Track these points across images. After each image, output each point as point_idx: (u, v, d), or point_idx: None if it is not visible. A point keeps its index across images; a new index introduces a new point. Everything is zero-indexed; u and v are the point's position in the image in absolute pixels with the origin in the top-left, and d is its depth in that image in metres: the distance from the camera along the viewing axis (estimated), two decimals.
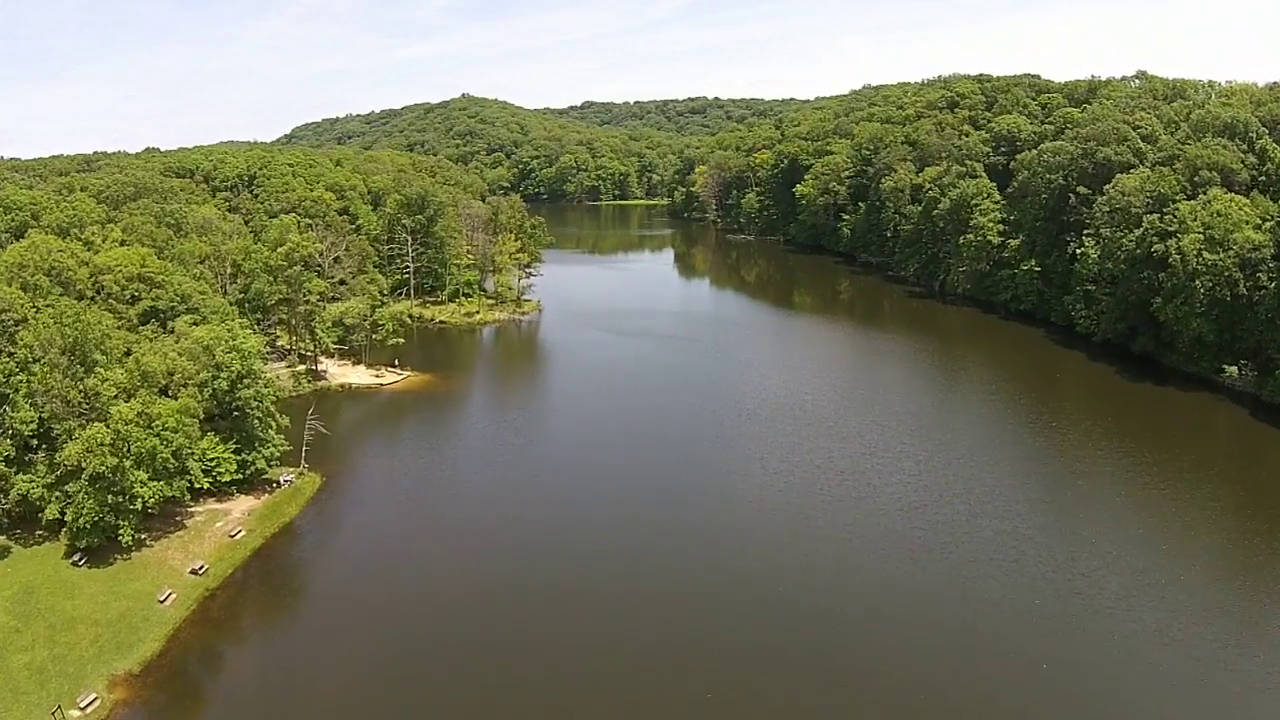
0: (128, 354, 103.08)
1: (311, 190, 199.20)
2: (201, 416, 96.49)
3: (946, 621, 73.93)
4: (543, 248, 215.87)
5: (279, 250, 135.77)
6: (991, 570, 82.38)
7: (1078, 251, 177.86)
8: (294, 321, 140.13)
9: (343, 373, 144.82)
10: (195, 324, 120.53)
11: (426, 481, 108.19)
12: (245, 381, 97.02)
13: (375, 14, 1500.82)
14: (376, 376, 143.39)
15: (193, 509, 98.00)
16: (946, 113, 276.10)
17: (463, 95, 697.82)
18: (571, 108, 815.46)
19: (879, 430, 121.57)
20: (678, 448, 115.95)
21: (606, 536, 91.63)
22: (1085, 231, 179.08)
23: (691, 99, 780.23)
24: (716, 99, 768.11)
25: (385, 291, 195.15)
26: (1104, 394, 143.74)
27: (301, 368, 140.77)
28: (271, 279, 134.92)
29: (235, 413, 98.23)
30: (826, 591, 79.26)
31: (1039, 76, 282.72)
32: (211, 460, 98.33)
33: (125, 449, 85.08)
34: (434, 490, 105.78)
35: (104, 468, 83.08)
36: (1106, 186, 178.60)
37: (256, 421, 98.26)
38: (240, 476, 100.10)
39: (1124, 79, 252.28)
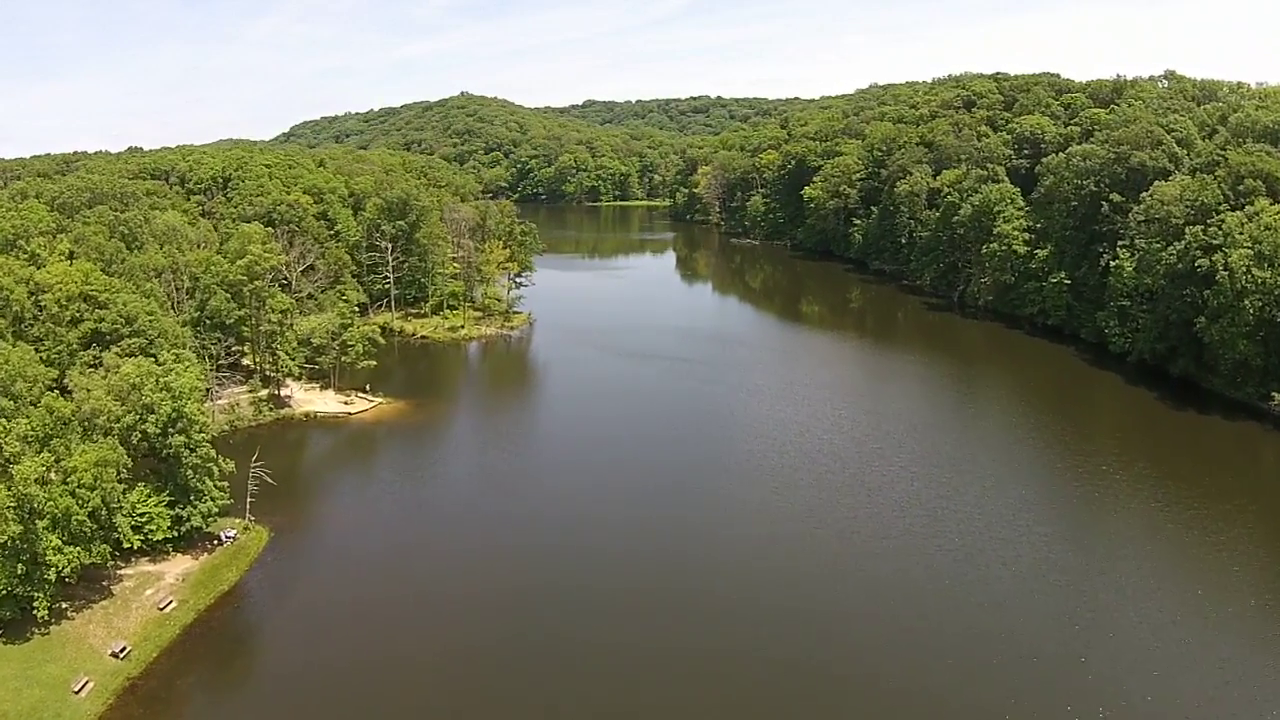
0: (58, 389, 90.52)
1: (288, 193, 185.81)
2: (129, 466, 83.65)
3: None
4: (536, 254, 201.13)
5: (238, 263, 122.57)
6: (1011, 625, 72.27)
7: (1111, 264, 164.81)
8: (256, 341, 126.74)
9: (309, 399, 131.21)
10: (133, 353, 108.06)
11: (390, 536, 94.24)
12: (177, 426, 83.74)
13: (376, 12, 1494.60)
14: (345, 403, 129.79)
15: (122, 571, 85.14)
16: (963, 113, 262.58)
17: (461, 93, 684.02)
18: (572, 106, 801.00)
19: (903, 478, 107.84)
20: (675, 510, 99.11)
21: (596, 613, 78.46)
22: (1119, 242, 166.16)
23: (694, 98, 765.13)
24: (719, 98, 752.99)
25: (364, 303, 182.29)
26: (1139, 420, 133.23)
27: (264, 393, 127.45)
28: (229, 296, 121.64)
29: (167, 462, 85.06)
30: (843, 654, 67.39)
31: (1058, 75, 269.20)
32: (142, 515, 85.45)
33: (32, 512, 72.28)
34: (399, 546, 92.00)
35: (5, 536, 70.40)
36: (1143, 194, 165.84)
37: (191, 472, 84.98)
38: (175, 534, 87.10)
39: (1151, 79, 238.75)
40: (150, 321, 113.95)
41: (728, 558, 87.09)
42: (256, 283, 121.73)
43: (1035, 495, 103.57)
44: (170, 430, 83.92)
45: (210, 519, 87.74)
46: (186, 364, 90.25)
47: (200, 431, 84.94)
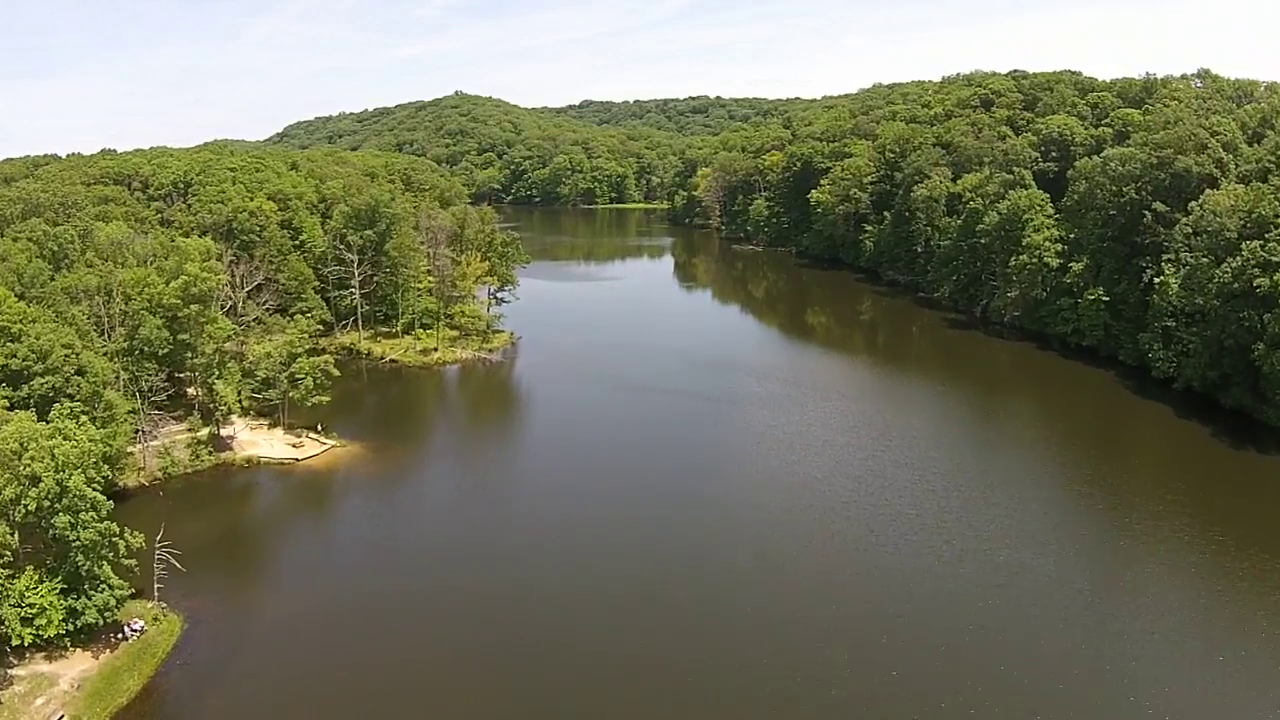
0: None
1: (251, 199, 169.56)
2: (13, 548, 68.08)
3: None
4: (521, 265, 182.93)
5: (172, 285, 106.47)
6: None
7: (1155, 280, 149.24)
8: (194, 374, 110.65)
9: (254, 440, 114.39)
10: (46, 394, 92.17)
11: (336, 625, 77.60)
12: (63, 503, 67.77)
13: (376, 12, 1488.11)
14: (294, 446, 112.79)
15: (13, 671, 69.92)
16: (981, 112, 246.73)
17: (456, 93, 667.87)
18: (570, 106, 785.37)
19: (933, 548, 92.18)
20: (670, 598, 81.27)
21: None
22: (1164, 256, 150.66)
23: (693, 98, 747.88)
24: (719, 98, 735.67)
25: (329, 322, 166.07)
26: (1185, 456, 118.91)
27: (204, 432, 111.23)
28: (161, 323, 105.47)
29: (54, 544, 69.24)
30: None
31: (1080, 73, 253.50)
32: (32, 606, 69.76)
33: None
34: (346, 640, 75.52)
35: None
36: (1192, 204, 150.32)
37: (82, 557, 69.06)
38: (71, 628, 71.31)
39: (1184, 77, 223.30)
40: (67, 356, 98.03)
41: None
42: (193, 306, 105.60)
43: (1065, 539, 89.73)
44: (55, 507, 68.00)
45: (107, 612, 71.68)
46: (82, 423, 74.01)
47: (92, 509, 68.81)
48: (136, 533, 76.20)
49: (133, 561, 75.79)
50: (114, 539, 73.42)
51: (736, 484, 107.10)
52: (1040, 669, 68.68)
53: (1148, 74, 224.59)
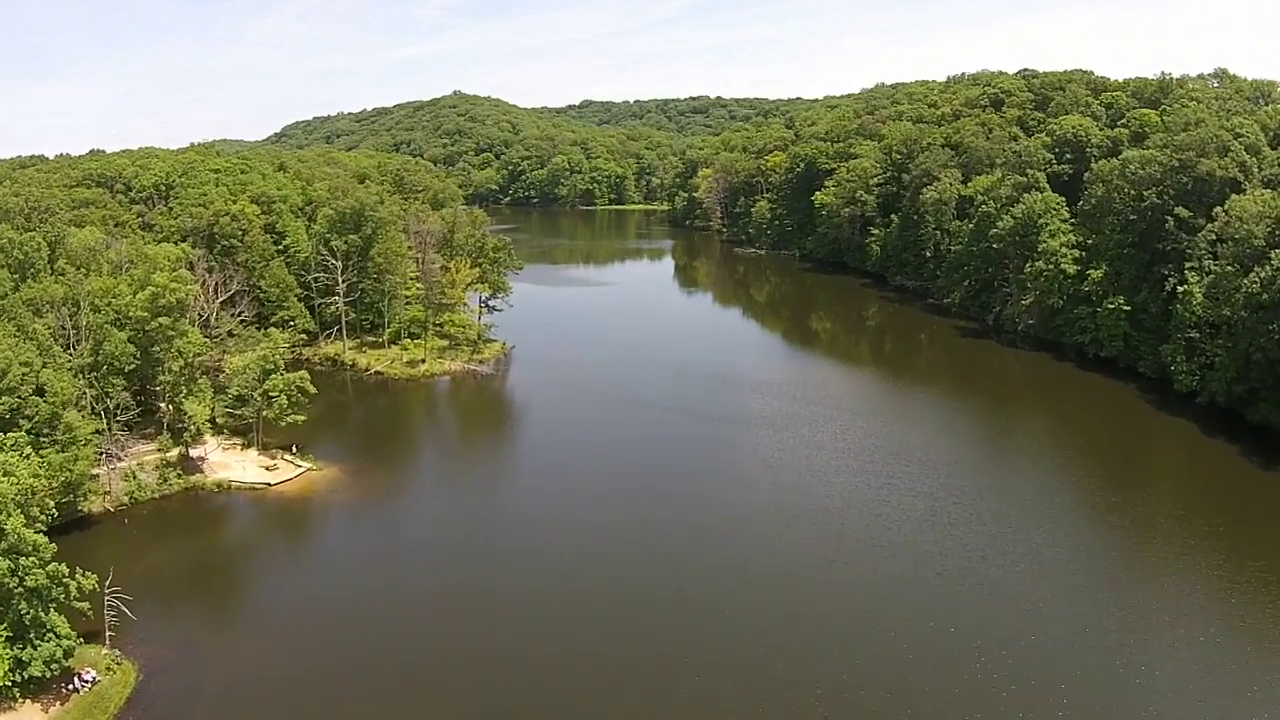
0: None
1: (234, 202, 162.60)
2: None
3: None
4: (514, 271, 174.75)
5: (139, 296, 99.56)
6: None
7: (1178, 289, 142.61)
8: (162, 391, 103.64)
9: (226, 462, 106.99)
10: (2, 416, 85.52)
11: (291, 674, 70.70)
12: (1, 546, 60.96)
13: (377, 12, 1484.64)
14: (269, 468, 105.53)
15: None
16: (990, 112, 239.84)
17: (454, 92, 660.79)
18: (569, 107, 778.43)
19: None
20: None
21: None
22: (1186, 264, 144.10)
23: (693, 98, 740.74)
24: (719, 98, 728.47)
25: (313, 331, 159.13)
26: (1215, 479, 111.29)
27: (174, 453, 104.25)
28: (128, 336, 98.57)
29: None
30: None
31: (1092, 73, 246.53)
32: None
33: None
34: (317, 688, 69.09)
35: None
36: (1216, 210, 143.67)
37: (24, 605, 62.27)
38: (17, 679, 64.52)
39: (1201, 77, 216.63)
40: (25, 375, 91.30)
41: None
42: (161, 319, 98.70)
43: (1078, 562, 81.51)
44: None
45: (54, 664, 64.81)
46: (29, 453, 67.38)
47: (32, 554, 62.00)
48: (89, 574, 69.57)
49: (85, 605, 69.27)
50: (63, 581, 66.78)
51: (745, 522, 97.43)
52: None
53: (1163, 73, 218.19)
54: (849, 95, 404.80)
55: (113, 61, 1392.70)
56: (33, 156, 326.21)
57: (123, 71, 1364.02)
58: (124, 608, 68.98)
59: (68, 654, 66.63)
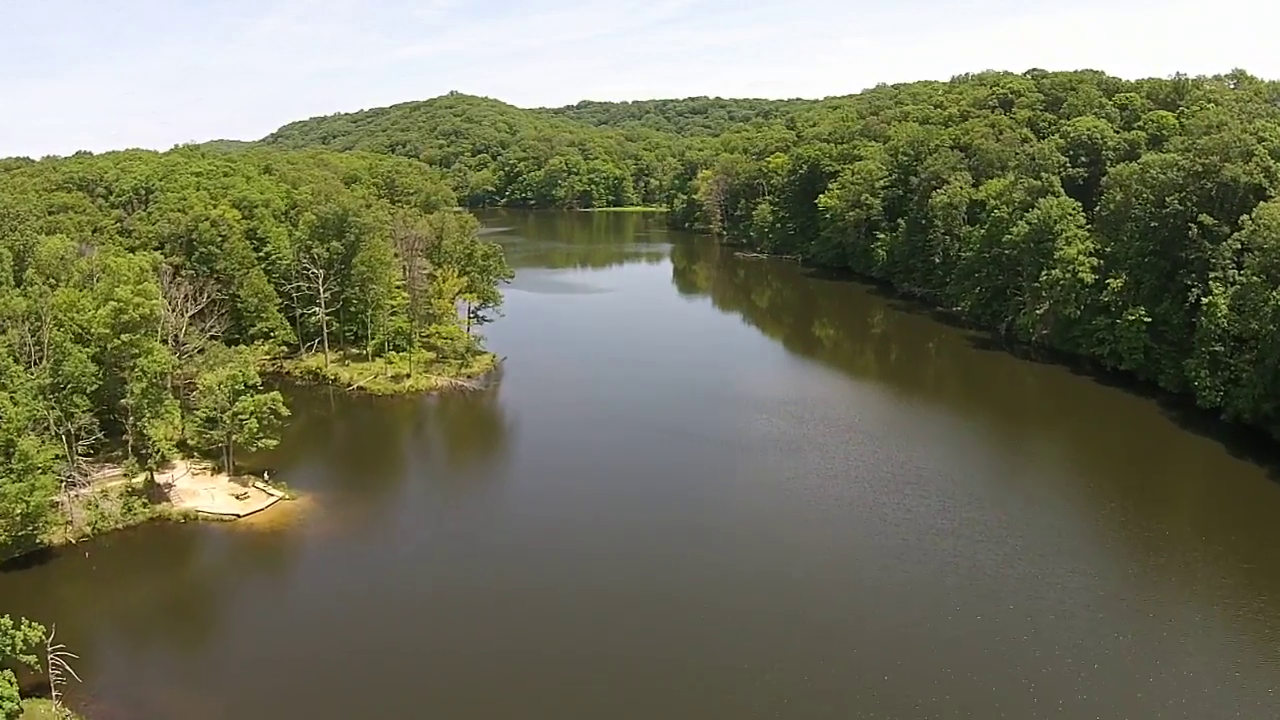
0: None
1: (214, 207, 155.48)
2: None
3: None
4: (505, 279, 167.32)
5: (101, 311, 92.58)
6: None
7: (1202, 300, 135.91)
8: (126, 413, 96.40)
9: (194, 489, 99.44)
10: None
11: None
12: None
13: (377, 13, 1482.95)
14: (239, 496, 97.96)
15: None
16: (1000, 113, 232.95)
17: (451, 93, 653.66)
18: (568, 107, 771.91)
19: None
20: None
21: None
22: (1211, 274, 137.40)
23: (692, 98, 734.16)
24: (719, 99, 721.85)
25: (294, 344, 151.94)
26: (1246, 507, 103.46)
27: (140, 479, 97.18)
28: (89, 354, 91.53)
29: None
30: None
31: (1103, 73, 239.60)
32: None
33: None
34: None
35: None
36: (1243, 217, 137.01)
37: None
38: None
39: (1217, 78, 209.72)
40: None
41: None
42: (125, 336, 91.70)
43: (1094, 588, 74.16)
44: None
45: None
46: None
47: None
48: (35, 625, 63.19)
49: (31, 658, 62.56)
50: (9, 633, 60.23)
51: (755, 564, 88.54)
52: None
53: (1177, 74, 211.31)
54: (850, 96, 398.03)
55: (112, 61, 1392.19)
56: (18, 159, 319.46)
57: (122, 72, 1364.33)
58: (68, 668, 61.88)
59: (11, 716, 59.87)
